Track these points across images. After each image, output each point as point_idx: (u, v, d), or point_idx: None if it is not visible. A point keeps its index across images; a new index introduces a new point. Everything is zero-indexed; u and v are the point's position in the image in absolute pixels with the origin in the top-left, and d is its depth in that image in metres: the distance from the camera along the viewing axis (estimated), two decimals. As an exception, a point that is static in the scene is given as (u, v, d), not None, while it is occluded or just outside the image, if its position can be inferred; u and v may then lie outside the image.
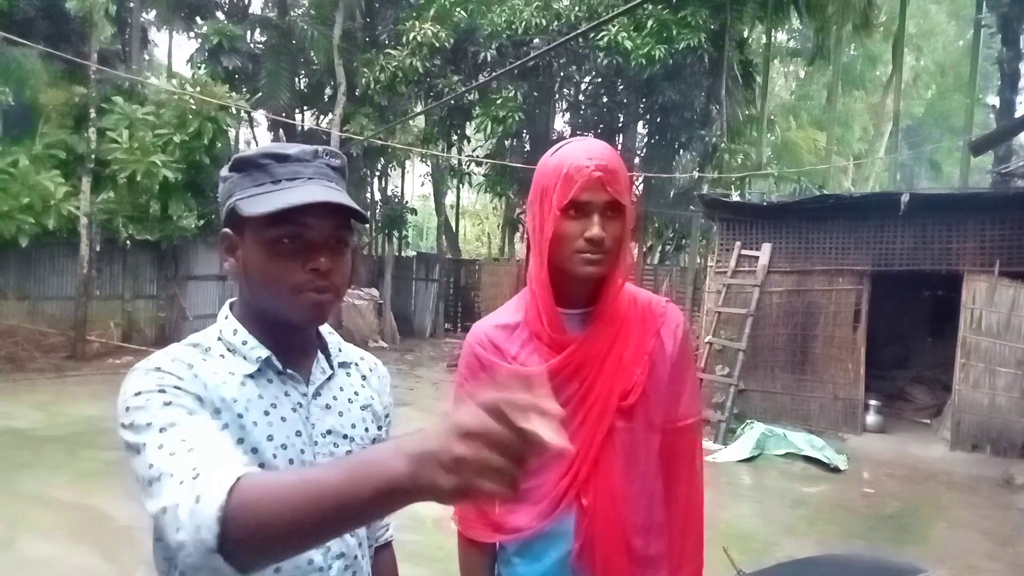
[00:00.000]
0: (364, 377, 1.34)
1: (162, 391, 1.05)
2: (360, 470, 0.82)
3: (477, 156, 19.31)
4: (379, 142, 15.47)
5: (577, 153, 1.44)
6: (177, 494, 0.90)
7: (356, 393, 1.29)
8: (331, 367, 1.27)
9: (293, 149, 1.18)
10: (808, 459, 7.80)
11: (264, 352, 1.18)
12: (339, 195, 1.15)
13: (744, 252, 9.53)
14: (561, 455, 0.68)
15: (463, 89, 13.39)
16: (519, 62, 11.80)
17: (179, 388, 1.07)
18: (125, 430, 1.05)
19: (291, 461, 1.15)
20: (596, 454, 1.48)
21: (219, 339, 1.21)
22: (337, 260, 1.15)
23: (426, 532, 5.21)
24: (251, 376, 1.16)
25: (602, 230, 1.40)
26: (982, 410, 8.30)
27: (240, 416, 1.12)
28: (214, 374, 1.13)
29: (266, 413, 1.15)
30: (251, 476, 0.89)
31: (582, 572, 1.51)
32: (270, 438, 1.14)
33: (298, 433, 1.17)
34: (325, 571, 1.18)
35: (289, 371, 1.19)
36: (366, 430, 1.28)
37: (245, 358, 1.17)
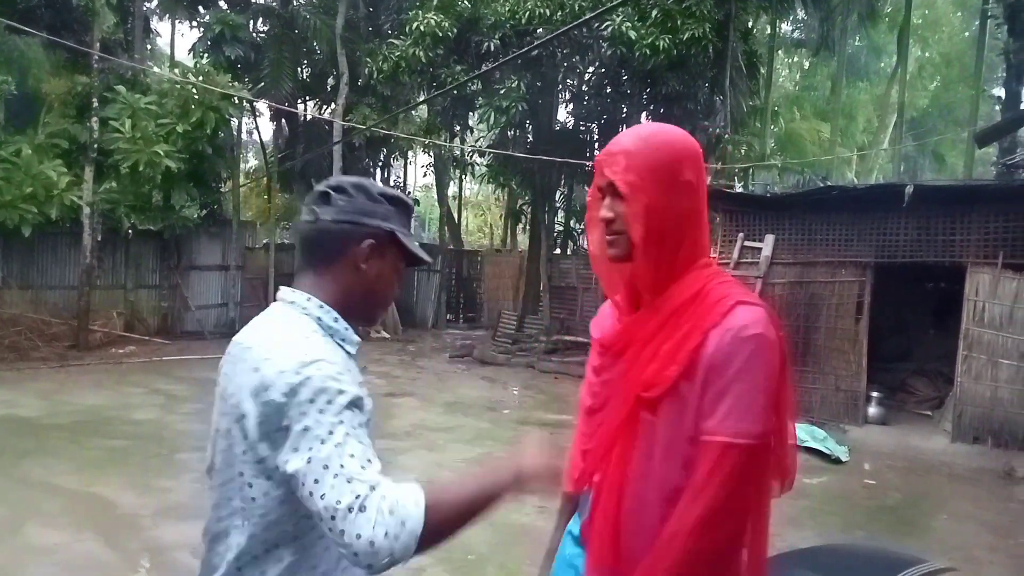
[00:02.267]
0: None
1: (354, 402, 1.29)
2: (491, 482, 1.35)
3: (480, 146, 19.27)
4: (382, 131, 15.44)
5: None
6: (364, 516, 1.18)
7: None
8: None
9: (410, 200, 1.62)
10: (809, 450, 7.80)
11: (357, 338, 1.48)
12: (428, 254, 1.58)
13: (747, 243, 9.52)
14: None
15: (466, 78, 13.34)
16: (523, 51, 11.73)
17: (361, 396, 1.32)
18: (327, 400, 1.26)
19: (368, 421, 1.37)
20: (612, 438, 1.45)
21: (320, 324, 1.41)
22: None
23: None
24: (349, 356, 1.44)
25: (609, 211, 1.42)
26: (984, 402, 8.29)
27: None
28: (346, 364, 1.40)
29: (360, 385, 1.38)
30: (430, 491, 1.25)
31: (584, 547, 1.52)
32: None
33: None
34: None
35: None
36: None
37: (344, 341, 1.44)
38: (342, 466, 1.21)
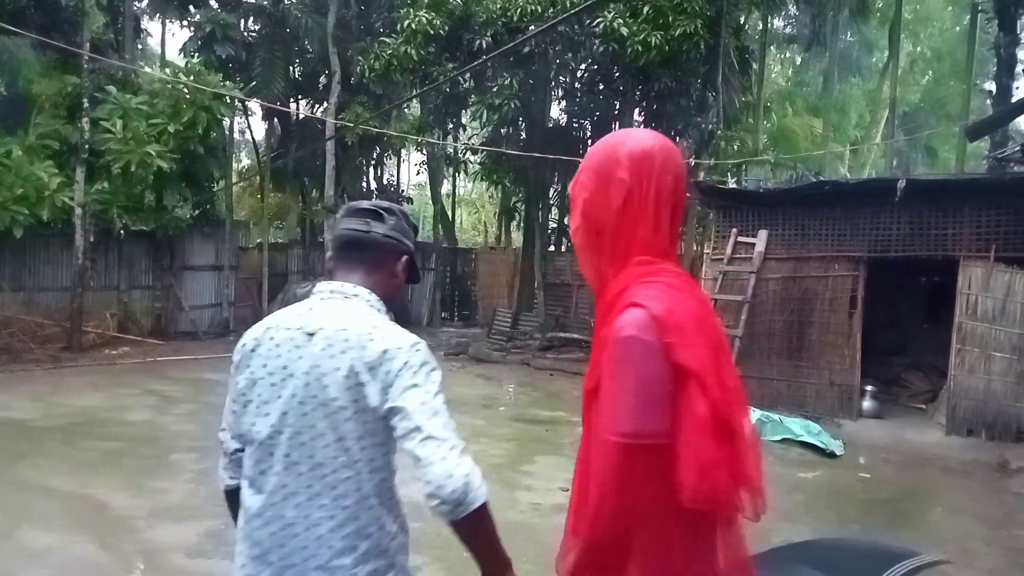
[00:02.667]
0: None
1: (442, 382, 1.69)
2: (502, 552, 1.64)
3: (473, 143, 19.25)
4: (374, 129, 15.40)
5: None
6: (466, 458, 1.55)
7: None
8: None
9: None
10: (804, 445, 7.83)
11: None
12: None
13: (740, 239, 9.52)
14: None
15: (458, 72, 13.31)
16: (515, 42, 11.71)
17: None
18: (431, 370, 1.66)
19: None
20: (583, 422, 1.55)
21: (381, 315, 1.79)
22: None
23: (425, 520, 5.23)
24: None
25: None
26: (977, 395, 8.33)
27: None
28: None
29: None
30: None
31: None
32: None
33: None
34: None
35: None
36: None
37: None
38: (448, 418, 1.58)
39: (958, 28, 27.15)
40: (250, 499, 1.72)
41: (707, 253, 10.42)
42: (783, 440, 7.96)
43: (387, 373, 1.61)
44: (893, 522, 5.84)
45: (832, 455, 7.63)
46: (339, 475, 1.64)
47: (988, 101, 19.10)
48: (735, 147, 14.10)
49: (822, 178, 12.26)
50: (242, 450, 1.77)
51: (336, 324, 1.68)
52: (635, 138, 1.54)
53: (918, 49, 28.30)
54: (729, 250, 9.53)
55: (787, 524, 5.53)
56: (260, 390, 1.70)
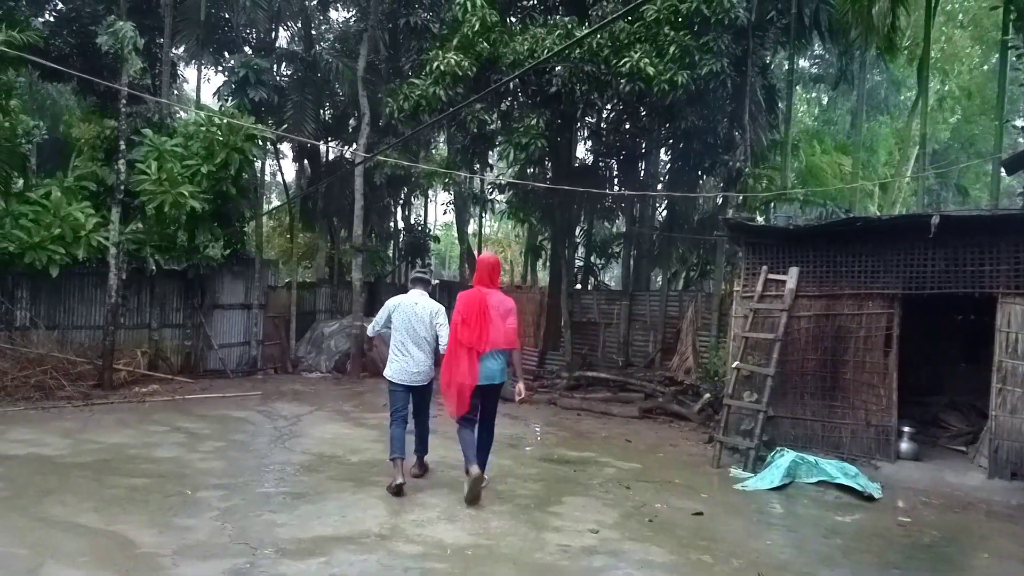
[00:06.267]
0: None
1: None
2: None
3: (500, 180, 19.39)
4: (404, 163, 15.56)
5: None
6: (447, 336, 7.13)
7: None
8: None
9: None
10: (841, 487, 7.60)
11: None
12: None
13: (771, 276, 9.40)
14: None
15: (483, 96, 13.41)
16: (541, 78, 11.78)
17: None
18: (445, 314, 7.14)
19: None
20: None
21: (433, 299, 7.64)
22: None
23: (449, 560, 5.14)
24: None
25: None
26: (1020, 437, 8.05)
27: None
28: None
29: None
30: None
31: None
32: None
33: None
34: None
35: None
36: None
37: None
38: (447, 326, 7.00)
39: (986, 66, 27.01)
40: (404, 351, 6.98)
41: (736, 291, 10.29)
42: (819, 482, 7.75)
43: (438, 315, 7.04)
44: (937, 568, 5.61)
45: (870, 498, 7.40)
46: (427, 337, 7.00)
47: (1020, 139, 18.87)
48: (763, 185, 14.04)
49: (852, 215, 12.10)
50: (387, 328, 7.05)
51: (424, 303, 7.04)
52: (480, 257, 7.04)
53: (946, 87, 28.15)
54: (759, 287, 9.41)
55: (826, 569, 5.34)
56: (401, 317, 6.98)
